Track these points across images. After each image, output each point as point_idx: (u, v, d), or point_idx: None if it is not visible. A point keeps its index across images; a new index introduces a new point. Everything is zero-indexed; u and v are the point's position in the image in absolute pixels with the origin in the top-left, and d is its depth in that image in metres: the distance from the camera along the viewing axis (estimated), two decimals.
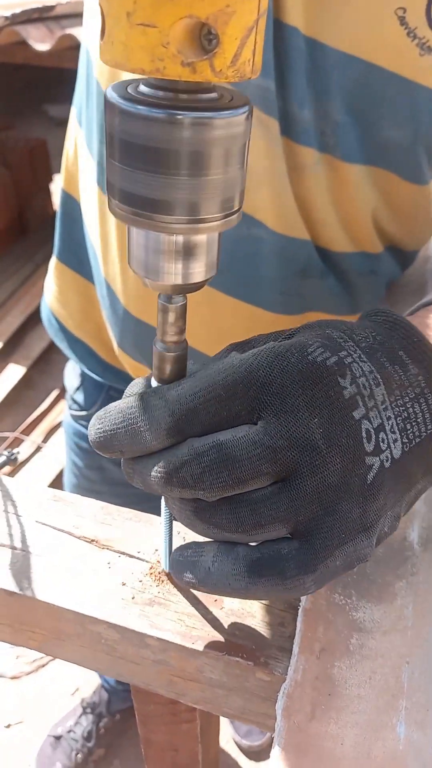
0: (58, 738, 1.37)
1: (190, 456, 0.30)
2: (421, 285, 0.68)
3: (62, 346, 0.82)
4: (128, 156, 0.25)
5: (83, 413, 0.85)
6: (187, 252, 0.29)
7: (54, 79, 4.08)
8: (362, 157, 0.52)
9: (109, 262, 0.66)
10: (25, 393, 2.29)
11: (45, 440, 2.06)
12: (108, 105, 0.25)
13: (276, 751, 0.31)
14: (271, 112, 0.49)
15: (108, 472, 0.88)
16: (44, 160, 3.01)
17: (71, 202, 0.73)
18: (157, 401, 0.31)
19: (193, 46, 0.22)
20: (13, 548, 0.42)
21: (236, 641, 0.36)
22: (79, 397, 0.85)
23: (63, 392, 2.25)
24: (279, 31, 0.47)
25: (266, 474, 0.29)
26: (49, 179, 3.13)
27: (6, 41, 1.98)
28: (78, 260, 0.75)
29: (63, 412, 2.15)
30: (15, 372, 2.28)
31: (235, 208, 0.28)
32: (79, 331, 0.79)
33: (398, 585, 0.37)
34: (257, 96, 0.49)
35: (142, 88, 0.25)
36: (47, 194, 3.10)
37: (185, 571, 0.32)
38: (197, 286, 0.30)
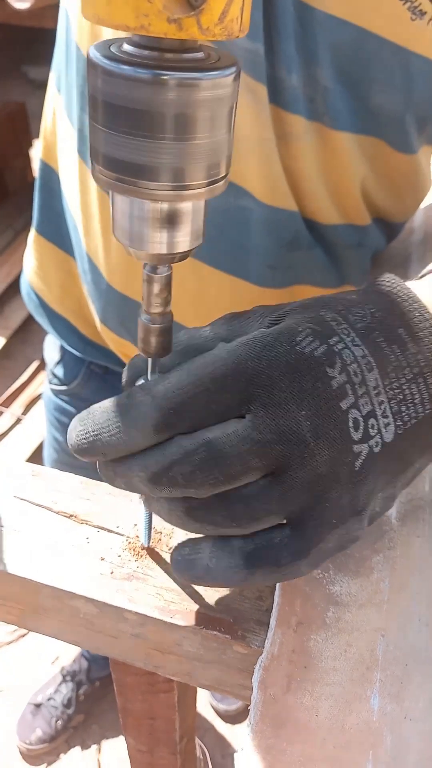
0: (38, 705, 1.39)
1: (179, 455, 0.29)
2: (406, 257, 0.68)
3: (42, 321, 0.81)
4: (112, 119, 0.24)
5: (63, 388, 0.84)
6: (172, 220, 0.28)
7: (33, 39, 3.95)
8: (352, 125, 0.51)
9: (90, 234, 0.64)
10: (5, 364, 2.26)
11: (25, 412, 2.05)
12: (90, 65, 0.24)
13: (252, 723, 0.31)
14: (260, 78, 0.48)
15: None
16: (23, 123, 2.93)
17: (50, 173, 0.71)
18: (143, 397, 0.30)
19: (180, 1, 0.21)
20: None
21: (214, 615, 0.36)
22: (59, 371, 0.84)
23: (43, 363, 2.22)
24: None
25: (257, 468, 0.29)
26: (29, 144, 3.04)
27: None
28: (58, 233, 0.73)
29: (43, 385, 2.13)
30: None
31: (222, 175, 0.27)
32: (59, 306, 0.78)
33: (375, 559, 0.38)
34: (246, 60, 0.48)
35: (126, 47, 0.25)
36: (27, 159, 3.02)
37: (186, 570, 0.32)
38: (183, 256, 0.30)
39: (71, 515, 0.42)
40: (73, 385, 0.83)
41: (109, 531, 0.41)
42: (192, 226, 0.29)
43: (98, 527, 0.41)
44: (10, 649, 1.55)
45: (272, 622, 0.35)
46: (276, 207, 0.55)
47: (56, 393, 0.86)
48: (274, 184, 0.53)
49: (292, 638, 0.35)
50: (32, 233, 0.77)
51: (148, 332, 0.32)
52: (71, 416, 0.84)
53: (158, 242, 0.28)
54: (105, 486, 0.44)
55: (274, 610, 0.36)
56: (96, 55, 0.24)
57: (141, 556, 0.40)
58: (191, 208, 0.28)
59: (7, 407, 2.03)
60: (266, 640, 0.34)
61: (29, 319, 2.38)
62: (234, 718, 1.44)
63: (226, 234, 0.57)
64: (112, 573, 0.38)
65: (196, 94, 0.24)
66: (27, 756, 1.35)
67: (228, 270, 0.59)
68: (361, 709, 0.31)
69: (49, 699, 1.38)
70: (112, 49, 0.25)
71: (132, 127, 0.24)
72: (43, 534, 0.41)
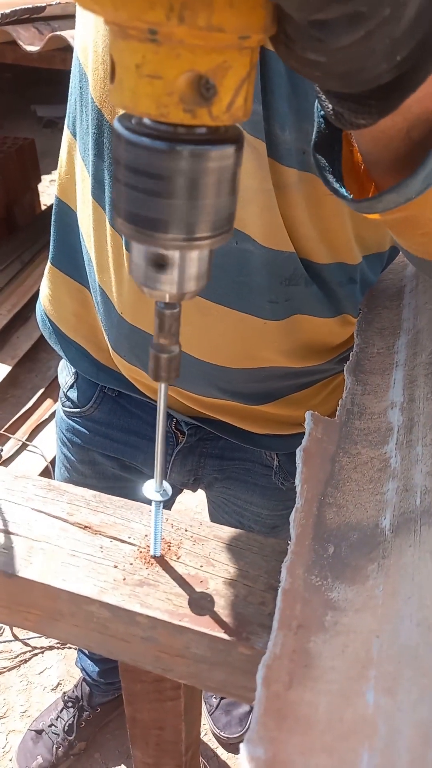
0: (39, 732, 1.38)
1: None
2: (399, 289, 0.72)
3: (56, 347, 0.84)
4: (133, 180, 0.28)
5: (77, 410, 0.86)
6: (182, 265, 0.32)
7: (43, 79, 4.09)
8: None
9: (103, 270, 0.68)
10: (11, 391, 2.30)
11: (30, 439, 2.07)
12: (115, 135, 0.29)
13: (256, 716, 0.34)
14: (258, 134, 0.52)
15: (100, 467, 0.90)
16: (32, 159, 3.02)
17: (66, 210, 0.75)
18: None
19: (194, 95, 0.25)
20: (10, 533, 0.44)
21: (220, 618, 0.39)
22: (73, 394, 0.87)
23: (48, 391, 2.26)
24: (263, 57, 0.50)
25: None
26: (38, 179, 3.14)
27: None
28: (73, 265, 0.77)
29: (51, 409, 2.15)
30: (0, 371, 2.29)
31: (226, 228, 0.31)
32: (73, 333, 0.81)
33: (370, 568, 0.40)
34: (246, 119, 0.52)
35: (146, 120, 0.28)
36: (35, 194, 3.11)
37: None
38: (191, 295, 0.33)
39: (86, 526, 0.45)
40: (86, 407, 0.85)
41: (122, 541, 0.44)
42: (199, 270, 0.33)
43: (111, 537, 0.44)
44: (11, 675, 1.55)
45: (274, 624, 0.38)
46: (275, 249, 0.59)
47: (69, 415, 0.88)
48: (274, 230, 0.57)
49: (293, 640, 0.37)
50: (48, 265, 0.81)
51: (159, 361, 0.36)
52: (84, 437, 0.87)
53: (169, 283, 0.32)
54: (116, 500, 0.47)
55: (276, 614, 0.38)
56: (120, 128, 0.28)
57: (152, 564, 0.42)
58: (198, 255, 0.32)
59: (12, 434, 2.06)
60: (269, 642, 0.37)
61: (35, 348, 2.42)
62: (236, 747, 1.43)
63: (229, 273, 0.61)
64: (124, 579, 0.41)
65: (206, 163, 0.27)
66: None
67: (231, 305, 0.63)
68: (358, 704, 0.34)
69: (50, 725, 1.38)
70: (133, 121, 0.29)
71: (150, 188, 0.28)
72: (59, 544, 0.43)
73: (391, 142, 0.35)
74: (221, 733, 1.42)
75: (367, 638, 0.37)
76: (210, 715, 1.45)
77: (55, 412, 2.16)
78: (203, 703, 1.49)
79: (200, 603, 0.40)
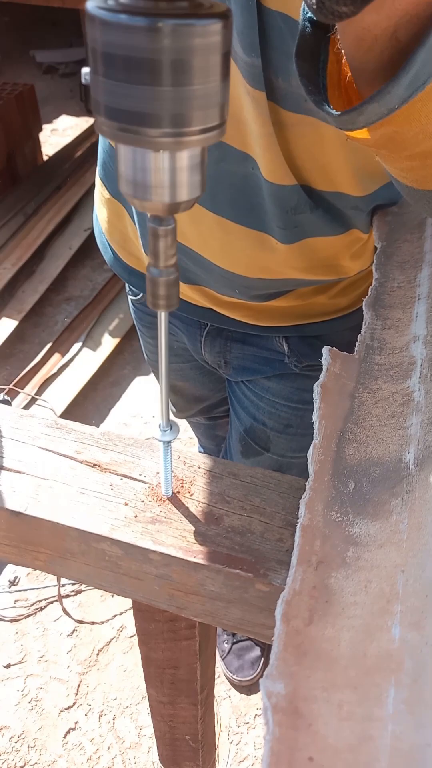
0: None
1: None
2: (421, 221, 0.68)
3: (100, 246, 0.93)
4: (111, 68, 0.25)
5: (135, 298, 0.98)
6: (173, 168, 0.29)
7: (43, 21, 3.93)
8: None
9: None
10: (18, 347, 2.28)
11: (39, 393, 2.06)
12: (89, 18, 0.25)
13: (276, 652, 0.32)
14: (258, 86, 0.53)
15: (170, 342, 1.00)
16: (33, 106, 2.92)
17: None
18: None
19: None
20: (18, 472, 0.43)
21: (236, 555, 0.37)
22: (133, 287, 0.96)
23: (55, 345, 2.24)
24: (261, 13, 0.50)
25: None
26: (39, 128, 3.04)
27: None
28: (107, 176, 0.82)
29: (59, 363, 2.14)
30: (7, 325, 2.26)
31: (217, 123, 0.28)
32: (108, 237, 0.88)
33: (394, 502, 0.39)
34: (247, 72, 0.53)
35: None
36: (36, 143, 3.02)
37: None
38: (185, 205, 0.31)
39: (95, 464, 0.43)
40: (140, 297, 0.96)
41: (133, 479, 0.42)
42: (192, 174, 0.30)
43: (122, 475, 0.42)
44: (28, 622, 1.58)
45: (293, 560, 0.36)
46: (278, 184, 0.61)
47: (132, 302, 1.00)
48: (276, 166, 0.59)
49: (312, 576, 0.35)
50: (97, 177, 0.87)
51: (156, 285, 0.33)
52: (147, 318, 1.00)
53: (161, 190, 0.29)
54: (126, 437, 0.45)
55: (294, 550, 0.36)
56: (93, 8, 0.25)
57: (164, 501, 0.41)
58: (190, 156, 0.29)
59: (21, 388, 2.05)
60: (288, 578, 0.35)
61: (41, 302, 2.39)
62: (249, 688, 1.46)
63: (247, 195, 0.64)
64: (136, 517, 0.40)
65: (191, 39, 0.25)
66: None
67: (250, 225, 0.66)
68: (382, 639, 0.32)
69: None
70: (109, 1, 0.25)
71: (130, 75, 0.25)
72: (68, 482, 0.42)
73: (375, 44, 0.33)
74: (234, 677, 1.44)
75: (392, 573, 0.35)
76: (222, 660, 1.48)
77: (62, 366, 2.15)
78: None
79: (215, 540, 0.38)
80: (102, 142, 0.81)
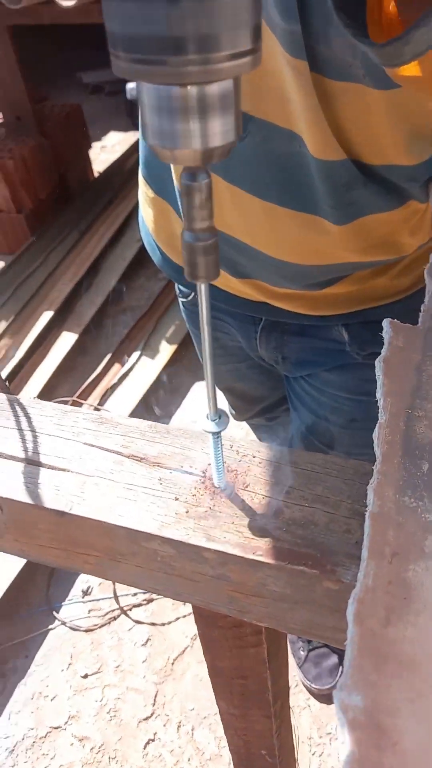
0: None
1: None
2: None
3: (148, 248, 0.91)
4: None
5: (185, 300, 0.96)
6: (203, 105, 0.26)
7: (85, 41, 4.03)
8: (390, 82, 0.51)
9: (179, 174, 0.69)
10: (80, 359, 2.31)
11: (101, 403, 2.08)
12: None
13: (350, 659, 0.28)
14: (299, 55, 0.50)
15: (220, 341, 0.98)
16: (81, 125, 2.98)
17: None
18: None
19: None
20: (61, 470, 0.40)
21: (299, 550, 0.33)
22: (181, 286, 0.95)
23: (115, 356, 2.26)
24: None
25: None
26: (88, 146, 3.10)
27: (29, 1, 1.94)
28: (150, 173, 0.80)
29: (119, 374, 2.15)
30: (68, 339, 2.30)
31: (248, 48, 0.25)
32: (155, 236, 0.86)
33: None
34: (286, 40, 0.50)
35: None
36: (86, 160, 3.08)
37: None
38: (219, 153, 0.27)
39: (142, 458, 0.40)
40: (191, 297, 0.94)
41: (183, 471, 0.39)
42: (225, 114, 0.27)
43: (170, 468, 0.39)
44: (102, 632, 1.58)
45: (364, 553, 0.32)
46: (327, 160, 0.58)
47: (183, 304, 0.98)
48: (324, 141, 0.56)
49: (387, 570, 0.31)
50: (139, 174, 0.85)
51: (194, 252, 0.30)
52: (195, 318, 0.95)
53: (191, 136, 0.26)
54: (174, 428, 0.42)
55: (365, 542, 0.32)
56: None
57: (217, 494, 0.37)
58: (220, 91, 0.26)
59: (84, 400, 2.07)
60: (359, 573, 0.31)
61: (99, 315, 2.42)
62: (329, 697, 1.40)
63: (295, 177, 0.60)
64: (187, 512, 0.36)
65: None
66: None
67: (300, 209, 0.62)
68: None
69: None
70: None
71: None
72: (114, 478, 0.39)
73: None
74: (312, 685, 1.39)
75: None
76: (299, 668, 1.43)
77: (122, 376, 2.16)
78: (291, 656, 1.47)
79: (275, 534, 0.34)
80: (142, 139, 0.79)
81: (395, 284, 0.78)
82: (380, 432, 0.37)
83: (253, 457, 0.39)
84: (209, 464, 0.39)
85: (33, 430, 0.43)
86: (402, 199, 0.64)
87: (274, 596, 0.35)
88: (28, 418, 0.44)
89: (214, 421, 0.36)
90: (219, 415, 0.36)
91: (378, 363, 0.42)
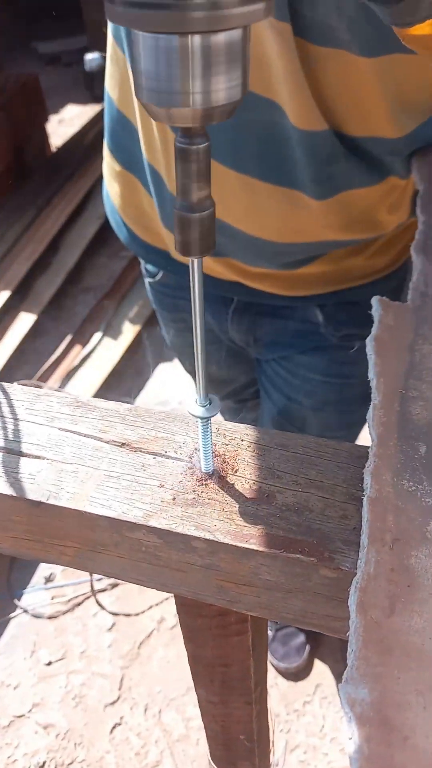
0: None
1: None
2: None
3: (114, 226, 0.87)
4: None
5: (152, 280, 0.92)
6: (206, 58, 0.23)
7: (40, 11, 3.87)
8: (376, 49, 0.50)
9: (153, 149, 0.66)
10: (39, 340, 2.25)
11: (62, 386, 2.03)
12: None
13: (354, 650, 0.27)
14: (283, 17, 0.49)
15: (188, 322, 0.94)
16: (38, 97, 2.86)
17: (110, 101, 0.74)
18: None
19: None
20: (37, 457, 0.38)
21: (294, 537, 0.32)
22: (149, 266, 0.91)
23: (76, 337, 2.20)
24: None
25: None
26: (45, 118, 2.99)
27: None
28: (117, 146, 0.76)
29: (80, 355, 2.10)
30: (26, 320, 2.23)
31: None
32: (122, 213, 0.83)
33: None
34: None
35: None
36: (44, 134, 2.97)
37: None
38: (221, 112, 0.25)
39: (123, 443, 0.38)
40: (159, 277, 0.89)
41: (167, 457, 0.37)
42: (231, 70, 0.24)
43: (154, 453, 0.37)
44: (66, 618, 1.55)
45: (364, 539, 0.30)
46: (310, 130, 0.56)
47: (151, 284, 0.94)
48: (306, 109, 0.54)
49: (389, 556, 0.30)
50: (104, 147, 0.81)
51: (187, 225, 0.27)
52: (167, 301, 0.92)
53: (191, 91, 0.23)
54: (156, 411, 0.40)
55: (364, 527, 0.31)
56: None
57: (205, 480, 0.35)
58: (228, 42, 0.23)
59: (44, 382, 2.02)
60: (359, 560, 0.30)
61: (59, 295, 2.35)
62: (296, 675, 1.41)
63: (274, 148, 0.58)
64: (174, 499, 0.34)
65: None
66: None
67: (279, 182, 0.60)
68: None
69: None
70: None
71: None
72: (93, 465, 0.37)
73: None
74: (280, 664, 1.40)
75: None
76: (267, 647, 1.44)
77: (84, 357, 2.11)
78: None
79: (268, 521, 0.33)
80: (109, 110, 0.75)
81: (371, 264, 0.76)
82: (374, 413, 0.36)
83: (242, 440, 0.37)
84: (195, 449, 0.37)
85: (2, 416, 0.40)
86: (382, 174, 0.62)
87: (268, 585, 0.33)
88: None
89: (204, 406, 0.34)
90: (210, 401, 0.34)
91: (369, 341, 0.40)
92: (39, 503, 0.35)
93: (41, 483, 0.36)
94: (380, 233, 0.70)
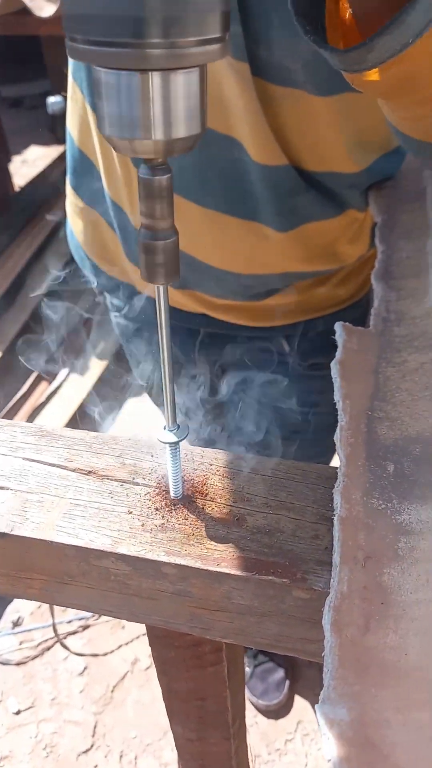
0: None
1: None
2: (420, 191, 0.63)
3: (78, 261, 0.87)
4: None
5: (119, 313, 0.91)
6: (166, 94, 0.24)
7: (4, 54, 3.93)
8: (332, 89, 0.52)
9: (113, 182, 0.67)
10: (5, 378, 2.21)
11: (30, 422, 1.99)
12: None
13: (330, 669, 0.26)
14: (241, 57, 0.50)
15: (154, 355, 0.93)
16: (0, 139, 2.89)
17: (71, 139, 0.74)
18: None
19: None
20: (1, 488, 0.37)
21: (266, 559, 0.31)
22: (113, 300, 0.90)
23: (41, 376, 2.17)
24: None
25: None
26: (7, 159, 3.01)
27: None
28: (80, 184, 0.77)
29: (47, 391, 2.08)
30: None
31: (219, 34, 0.23)
32: (87, 249, 0.83)
33: None
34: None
35: None
36: (6, 174, 2.98)
37: None
38: (182, 145, 0.25)
39: (89, 471, 0.37)
40: (125, 310, 0.89)
41: (135, 484, 0.36)
42: (189, 104, 0.25)
43: (122, 481, 0.36)
44: (35, 664, 1.49)
45: (336, 559, 0.30)
46: (270, 165, 0.57)
47: (115, 317, 0.94)
48: (266, 145, 0.56)
49: (361, 574, 0.30)
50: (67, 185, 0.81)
51: (153, 252, 0.27)
52: (132, 331, 0.91)
53: (152, 125, 0.24)
54: (122, 439, 0.39)
55: (335, 547, 0.31)
56: None
57: (174, 505, 0.35)
58: (185, 81, 0.24)
59: (11, 419, 1.98)
60: (332, 580, 0.29)
61: (24, 331, 2.33)
62: (276, 713, 1.38)
63: (236, 183, 0.59)
64: (143, 525, 0.34)
65: None
66: None
67: (242, 216, 0.61)
68: None
69: None
70: None
71: None
72: (59, 494, 0.36)
73: None
74: (260, 701, 1.36)
75: None
76: (246, 684, 1.40)
77: (50, 393, 2.09)
78: None
79: (239, 544, 0.32)
80: (70, 149, 0.77)
81: (335, 294, 0.78)
82: (342, 434, 0.36)
83: (210, 465, 0.37)
84: (164, 475, 0.37)
85: None
86: (342, 206, 0.64)
87: (241, 609, 0.33)
88: None
89: (172, 431, 0.33)
90: (177, 426, 0.34)
91: (334, 365, 0.41)
92: (3, 534, 0.34)
93: (5, 513, 0.35)
94: (342, 265, 0.72)
